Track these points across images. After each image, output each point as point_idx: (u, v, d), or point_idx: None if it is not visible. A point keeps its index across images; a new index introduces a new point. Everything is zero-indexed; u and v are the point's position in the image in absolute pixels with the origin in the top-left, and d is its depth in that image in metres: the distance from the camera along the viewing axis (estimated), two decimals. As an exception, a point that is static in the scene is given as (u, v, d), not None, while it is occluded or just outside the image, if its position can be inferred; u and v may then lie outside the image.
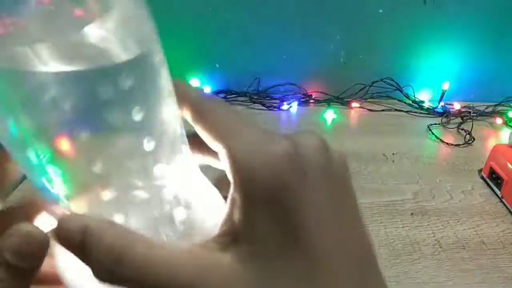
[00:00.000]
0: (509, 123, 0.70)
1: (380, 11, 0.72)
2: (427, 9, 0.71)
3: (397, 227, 0.45)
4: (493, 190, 0.51)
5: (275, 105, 0.73)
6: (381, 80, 0.76)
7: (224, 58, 0.75)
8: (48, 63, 0.16)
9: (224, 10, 0.71)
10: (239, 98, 0.75)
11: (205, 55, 0.76)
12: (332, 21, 0.73)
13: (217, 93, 0.76)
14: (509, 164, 0.49)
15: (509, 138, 0.51)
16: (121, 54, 0.18)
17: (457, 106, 0.74)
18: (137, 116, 0.19)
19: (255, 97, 0.75)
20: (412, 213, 0.47)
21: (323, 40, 0.75)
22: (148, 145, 0.20)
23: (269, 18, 0.72)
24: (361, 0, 0.71)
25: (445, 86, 0.74)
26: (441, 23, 0.73)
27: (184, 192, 0.23)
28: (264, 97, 0.76)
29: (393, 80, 0.76)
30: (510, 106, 0.74)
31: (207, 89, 0.76)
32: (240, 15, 0.72)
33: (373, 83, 0.76)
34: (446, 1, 0.71)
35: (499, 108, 0.74)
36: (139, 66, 0.19)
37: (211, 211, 0.24)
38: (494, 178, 0.51)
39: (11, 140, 0.18)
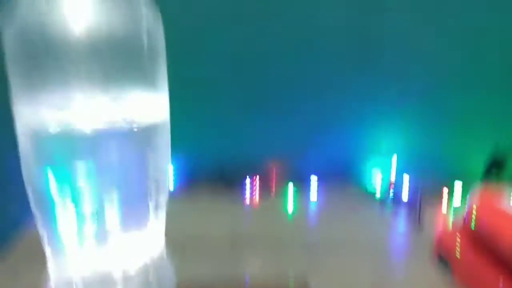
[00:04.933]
0: (452, 207, 0.76)
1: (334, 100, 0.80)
2: (372, 96, 0.81)
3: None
4: (444, 270, 0.54)
5: (238, 188, 0.76)
6: (338, 161, 0.82)
7: (189, 145, 0.79)
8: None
9: (191, 101, 0.76)
10: (204, 183, 0.78)
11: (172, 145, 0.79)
12: (292, 107, 0.80)
13: (187, 182, 0.78)
14: (455, 248, 0.53)
15: (451, 222, 0.56)
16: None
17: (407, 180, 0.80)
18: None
19: (220, 180, 0.78)
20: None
21: (285, 124, 0.82)
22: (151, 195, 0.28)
23: (235, 107, 0.79)
24: (316, 92, 0.80)
25: (394, 162, 0.81)
26: (385, 107, 0.82)
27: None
28: (228, 180, 0.79)
29: (348, 160, 0.82)
30: (455, 181, 0.80)
31: (172, 175, 0.78)
32: (206, 105, 0.78)
33: (329, 164, 0.81)
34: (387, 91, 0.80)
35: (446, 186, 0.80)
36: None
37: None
38: (442, 260, 0.55)
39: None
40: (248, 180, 0.82)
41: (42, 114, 0.25)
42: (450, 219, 0.59)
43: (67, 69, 0.25)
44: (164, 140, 0.32)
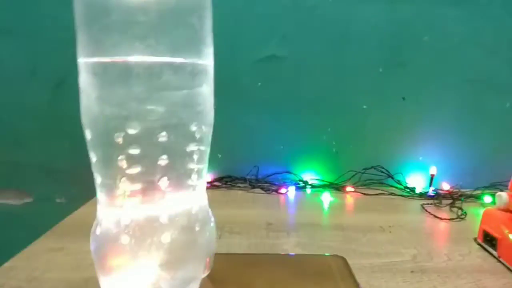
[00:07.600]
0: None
1: (364, 107, 0.81)
2: (406, 104, 0.81)
3: (398, 282, 0.44)
4: (489, 252, 0.51)
5: (273, 189, 0.77)
6: (372, 167, 0.81)
7: (225, 148, 0.82)
8: None
9: (225, 107, 0.81)
10: (239, 184, 0.79)
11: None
12: (323, 115, 0.82)
13: (219, 179, 0.80)
14: (501, 225, 0.50)
15: (497, 201, 0.53)
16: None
17: (447, 186, 0.77)
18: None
19: (255, 182, 0.79)
20: (412, 271, 0.47)
21: (316, 132, 0.83)
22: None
23: (267, 113, 0.82)
24: (348, 98, 0.81)
25: (433, 170, 0.79)
26: (420, 116, 0.82)
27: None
28: (263, 183, 0.80)
29: (383, 168, 0.81)
30: (497, 189, 0.78)
31: (210, 176, 0.80)
32: (240, 111, 0.81)
33: (364, 170, 0.81)
34: (422, 98, 0.81)
35: (487, 191, 0.78)
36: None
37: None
38: (488, 241, 0.52)
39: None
40: (282, 180, 0.83)
41: (102, 62, 0.29)
42: (494, 205, 0.57)
43: (127, 26, 0.29)
44: (209, 86, 0.34)
